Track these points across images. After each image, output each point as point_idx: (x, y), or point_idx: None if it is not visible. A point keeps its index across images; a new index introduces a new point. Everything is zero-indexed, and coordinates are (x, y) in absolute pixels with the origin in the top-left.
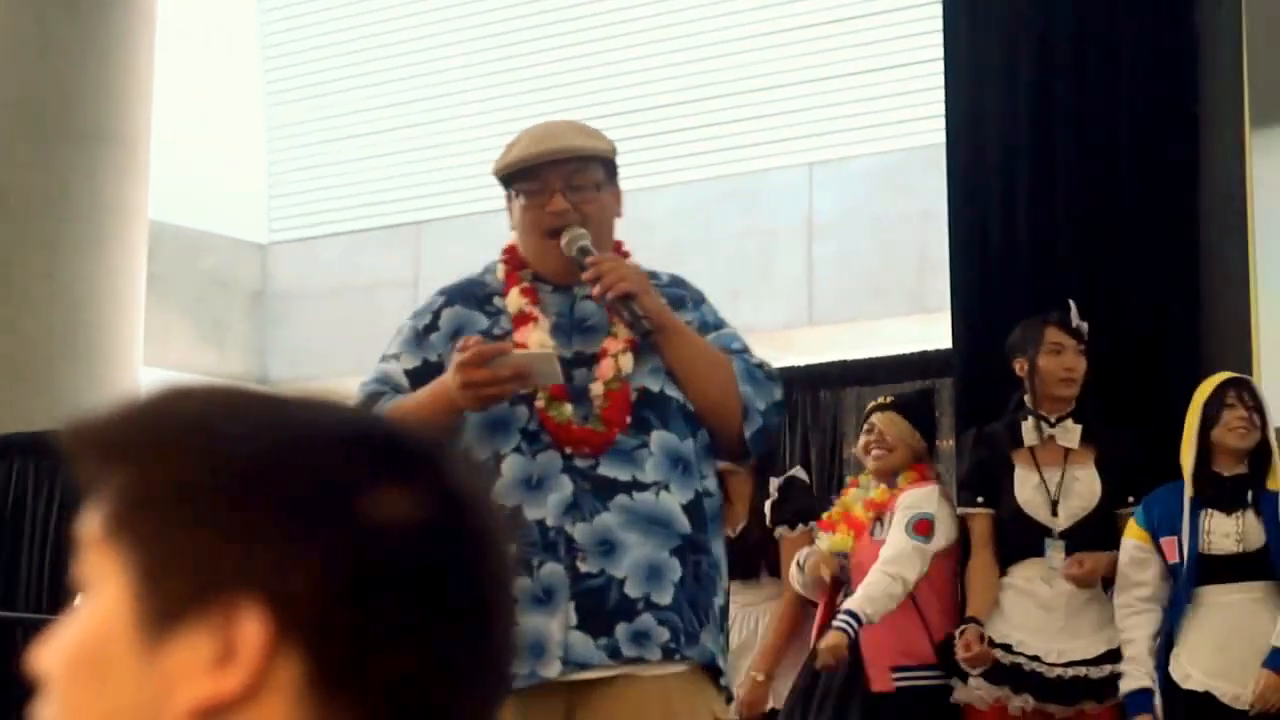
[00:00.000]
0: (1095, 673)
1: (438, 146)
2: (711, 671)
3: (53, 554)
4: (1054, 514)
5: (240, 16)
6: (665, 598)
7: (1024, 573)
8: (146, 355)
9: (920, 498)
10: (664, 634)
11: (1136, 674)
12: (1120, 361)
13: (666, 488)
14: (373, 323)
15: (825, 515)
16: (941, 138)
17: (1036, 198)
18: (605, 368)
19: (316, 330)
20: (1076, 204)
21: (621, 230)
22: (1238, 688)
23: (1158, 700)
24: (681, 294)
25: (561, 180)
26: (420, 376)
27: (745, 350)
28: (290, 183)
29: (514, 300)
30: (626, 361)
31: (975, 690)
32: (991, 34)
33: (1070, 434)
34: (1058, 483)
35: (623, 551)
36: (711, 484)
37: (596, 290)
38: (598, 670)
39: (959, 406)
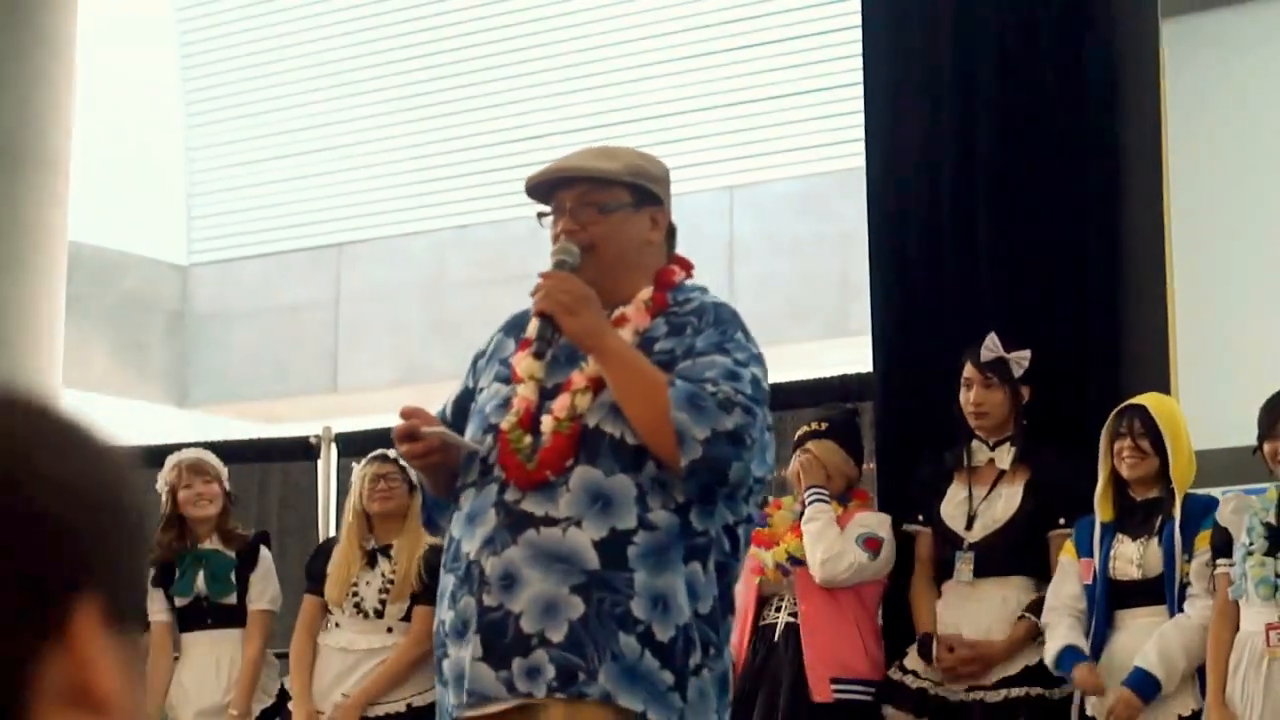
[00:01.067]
0: (992, 697)
1: (358, 169)
2: (618, 706)
3: None
4: (968, 527)
5: (160, 37)
6: (558, 635)
7: (942, 599)
8: (65, 376)
9: (874, 521)
10: (551, 671)
11: (1057, 636)
12: (1045, 381)
13: (578, 524)
14: (293, 344)
15: (757, 530)
16: (862, 161)
17: (958, 220)
18: (560, 405)
19: (237, 351)
20: (998, 226)
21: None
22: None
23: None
24: (687, 321)
25: (573, 200)
26: (462, 402)
27: (719, 379)
28: (210, 204)
29: (532, 324)
30: (583, 400)
31: (889, 718)
32: (911, 57)
33: (1004, 456)
34: (982, 498)
35: (522, 586)
36: (657, 518)
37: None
38: (496, 704)
39: (880, 429)
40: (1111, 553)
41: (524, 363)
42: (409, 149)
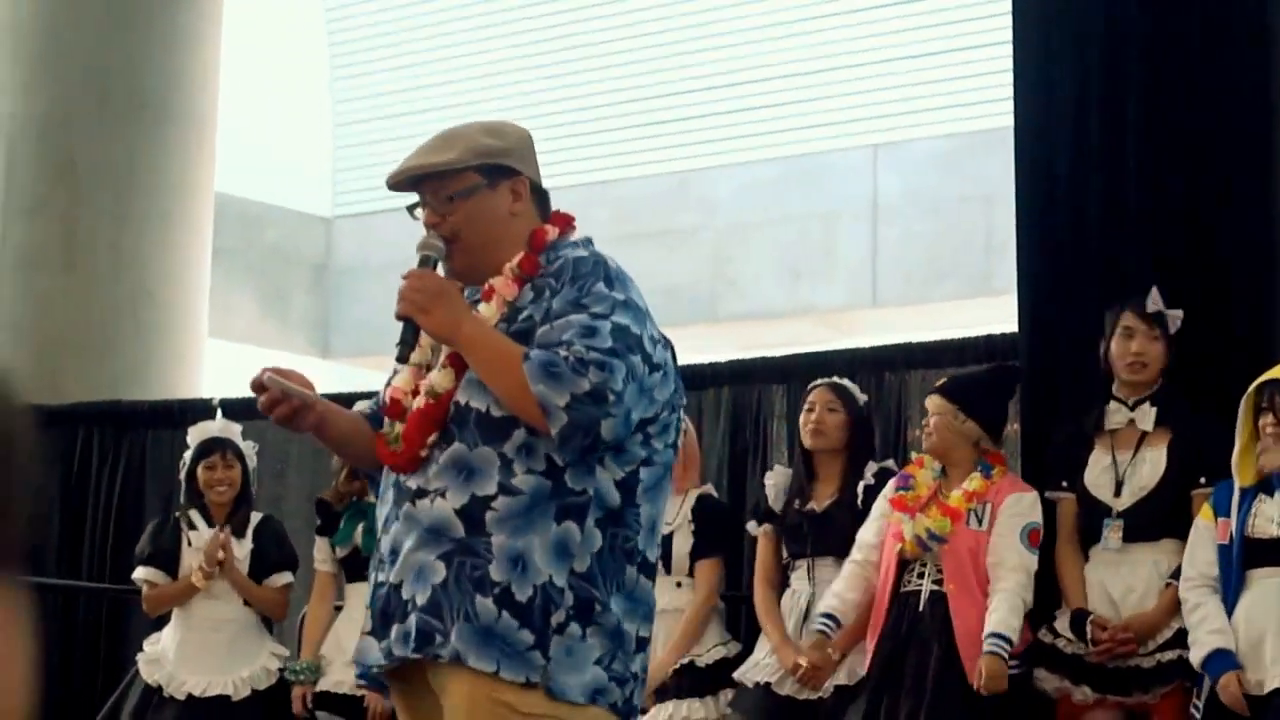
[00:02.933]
0: (1147, 663)
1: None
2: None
3: (115, 523)
4: (1116, 494)
5: None
6: (423, 598)
7: (1092, 561)
8: (211, 327)
9: (1028, 506)
10: (414, 632)
11: (1210, 639)
12: (1191, 343)
13: (443, 494)
14: None
15: (898, 495)
16: (1005, 121)
17: (1106, 180)
18: (421, 385)
19: (377, 305)
20: (1147, 186)
21: (684, 208)
22: (1259, 674)
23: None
24: (546, 283)
25: (430, 194)
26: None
27: (575, 339)
28: (355, 157)
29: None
30: (440, 378)
31: (1040, 681)
32: (1059, 13)
33: (1146, 417)
34: (1127, 464)
35: (401, 557)
36: (521, 482)
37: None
38: (378, 670)
39: (1025, 391)
40: (1251, 511)
41: (417, 356)
42: (551, 104)
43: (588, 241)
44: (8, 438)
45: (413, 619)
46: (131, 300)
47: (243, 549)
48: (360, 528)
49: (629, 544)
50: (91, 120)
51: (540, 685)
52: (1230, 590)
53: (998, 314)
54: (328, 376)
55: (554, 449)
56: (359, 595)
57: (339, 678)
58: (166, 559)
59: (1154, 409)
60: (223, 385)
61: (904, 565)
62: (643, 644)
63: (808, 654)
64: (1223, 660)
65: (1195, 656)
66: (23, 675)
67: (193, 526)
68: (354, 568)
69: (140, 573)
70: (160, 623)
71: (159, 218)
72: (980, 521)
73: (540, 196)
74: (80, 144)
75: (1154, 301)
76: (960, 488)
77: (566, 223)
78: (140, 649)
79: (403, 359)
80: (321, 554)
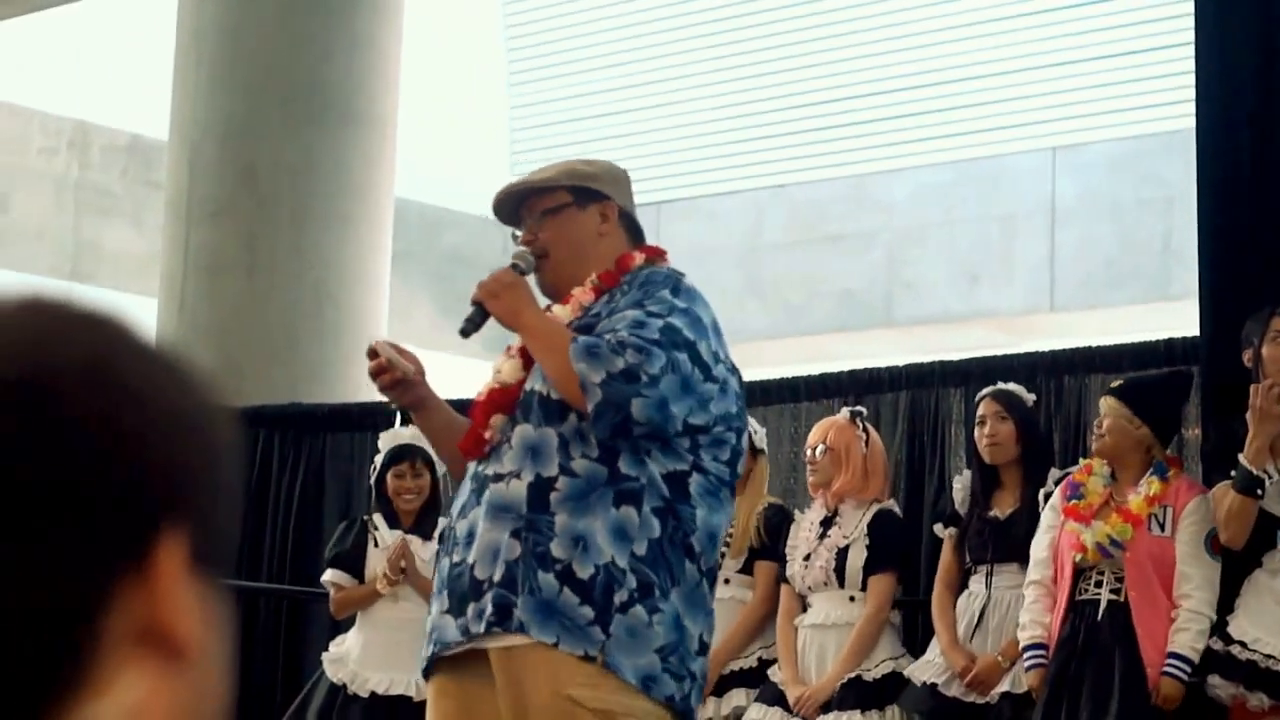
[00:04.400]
0: None
1: (677, 128)
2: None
3: (296, 526)
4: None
5: None
6: (498, 575)
7: (1267, 567)
8: (390, 331)
9: (1209, 510)
10: (489, 608)
11: None
12: None
13: (517, 475)
14: None
15: (1071, 504)
16: (1184, 123)
17: None
18: (494, 376)
19: None
20: None
21: (860, 211)
22: None
23: None
24: (620, 290)
25: (526, 213)
26: None
27: (628, 327)
28: (531, 162)
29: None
30: (509, 368)
31: (1214, 688)
32: (1243, 16)
33: None
34: None
35: (476, 539)
36: (579, 465)
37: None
38: (456, 648)
39: (1205, 396)
40: None
41: (503, 363)
42: (726, 108)
43: (682, 275)
44: (210, 435)
45: (488, 596)
46: (312, 303)
47: (428, 551)
48: None
49: (687, 540)
50: (273, 124)
51: (598, 660)
52: None
53: (1175, 319)
54: None
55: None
56: None
57: None
58: (353, 562)
59: None
60: None
61: (1079, 574)
62: (704, 648)
63: (978, 659)
64: None
65: None
66: (223, 678)
67: (379, 529)
68: None
69: (328, 575)
70: (340, 625)
71: (339, 221)
72: (1162, 527)
73: (632, 226)
74: (262, 148)
75: None
76: (1139, 492)
77: (658, 253)
78: (319, 651)
79: (465, 334)
80: None
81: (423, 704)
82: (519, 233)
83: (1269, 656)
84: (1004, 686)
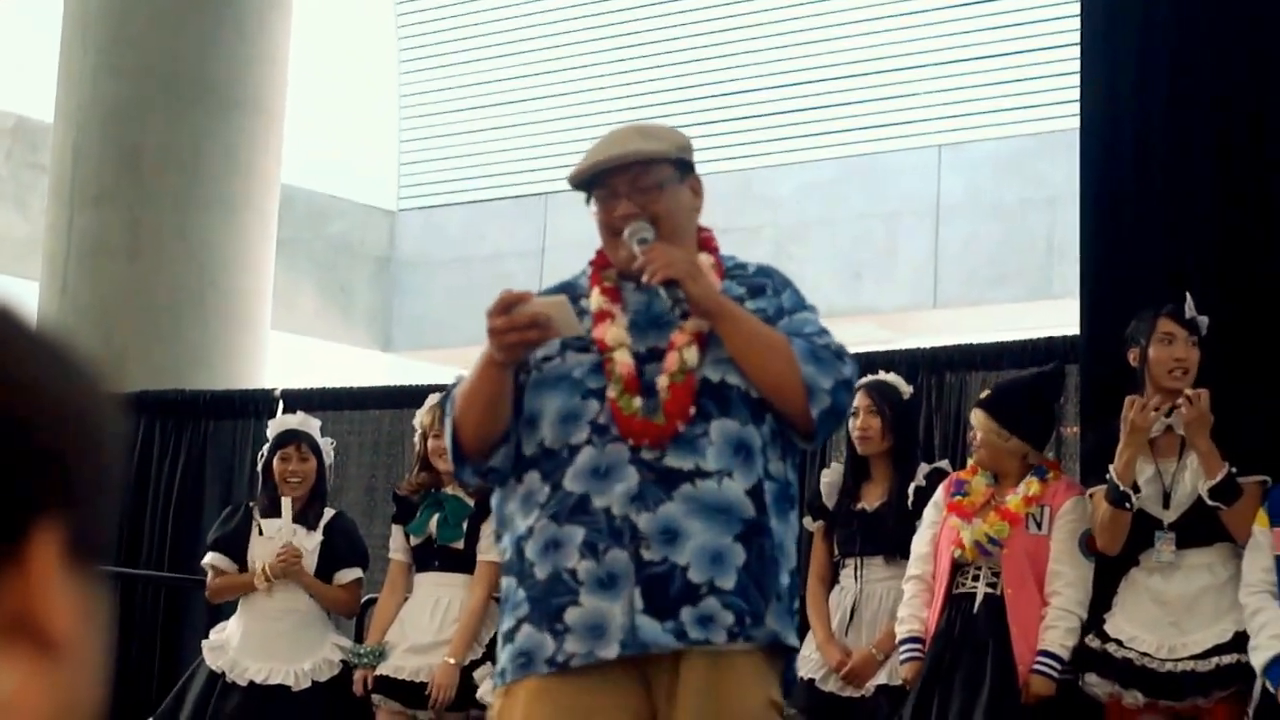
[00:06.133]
0: (1203, 666)
1: (567, 118)
2: (779, 650)
3: (176, 513)
4: (1165, 506)
5: None
6: (729, 582)
7: (1144, 565)
8: (273, 319)
9: (1085, 511)
10: (729, 617)
11: (1271, 644)
12: (1250, 347)
13: (729, 475)
14: (495, 292)
15: (955, 500)
16: (1070, 123)
17: (1170, 184)
18: (670, 361)
19: (440, 298)
20: (1211, 191)
21: (745, 206)
22: None
23: None
24: (762, 282)
25: (626, 184)
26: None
27: (818, 333)
28: (420, 151)
29: (595, 298)
30: (691, 354)
31: (1091, 685)
32: (1128, 19)
33: (1182, 422)
34: (1171, 473)
35: (685, 539)
36: (778, 468)
37: (644, 277)
38: (656, 651)
39: (1085, 394)
40: None
41: (610, 332)
42: (614, 100)
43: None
44: (93, 424)
45: (714, 602)
46: (196, 288)
47: (312, 541)
48: (435, 518)
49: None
50: (158, 109)
51: (791, 670)
52: None
53: (1058, 317)
54: (388, 370)
55: (797, 436)
56: (426, 586)
57: (399, 663)
58: (235, 547)
59: None
60: (283, 376)
61: (958, 568)
62: None
63: (853, 653)
64: None
65: (1257, 661)
66: (99, 667)
67: (264, 516)
68: (424, 558)
69: (209, 558)
70: (219, 612)
71: (225, 206)
72: (1039, 525)
73: None
74: (147, 132)
75: (1190, 307)
76: (1018, 493)
77: (710, 232)
78: (198, 638)
79: (686, 315)
80: (396, 543)
81: (301, 693)
82: (596, 202)
83: (1144, 654)
84: (880, 680)
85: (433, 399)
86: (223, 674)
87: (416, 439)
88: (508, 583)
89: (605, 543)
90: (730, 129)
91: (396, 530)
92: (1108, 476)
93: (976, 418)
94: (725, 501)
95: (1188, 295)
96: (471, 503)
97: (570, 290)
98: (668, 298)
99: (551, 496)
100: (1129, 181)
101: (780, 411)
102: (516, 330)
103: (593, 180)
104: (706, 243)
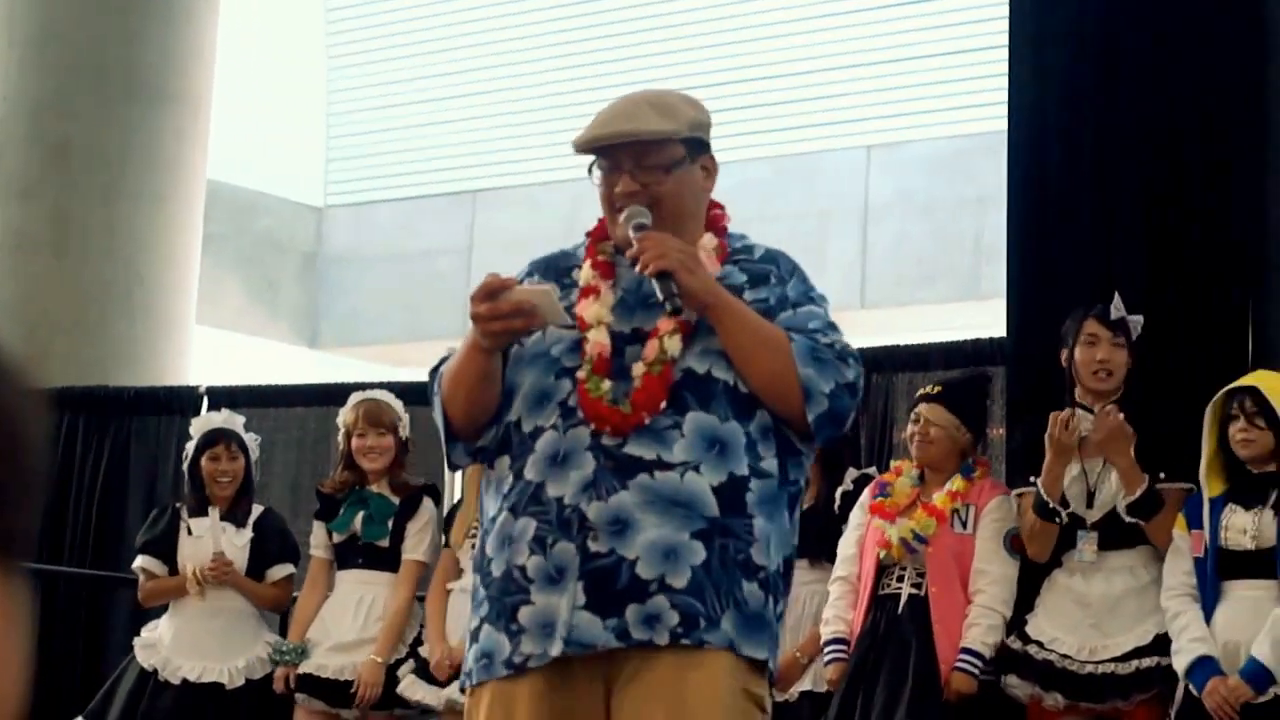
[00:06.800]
0: (1123, 669)
1: (496, 115)
2: (740, 655)
3: (99, 510)
4: (1089, 505)
5: None
6: (681, 580)
7: (1066, 566)
8: (199, 314)
9: (1009, 510)
10: (674, 617)
11: (1193, 647)
12: (1174, 349)
13: (695, 468)
14: (425, 289)
15: (877, 501)
16: (999, 125)
17: (1098, 186)
18: (650, 349)
19: (368, 295)
20: (1138, 192)
21: None
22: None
23: (1221, 666)
24: (766, 269)
25: (631, 161)
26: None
27: (823, 330)
28: (348, 147)
29: (585, 272)
30: (673, 344)
31: (1012, 687)
32: (1055, 20)
33: None
34: (1096, 473)
35: (636, 531)
36: (768, 465)
37: (637, 267)
38: (601, 650)
39: (1011, 395)
40: (1223, 523)
41: (591, 308)
42: (547, 97)
43: (744, 234)
44: (17, 423)
45: (662, 600)
46: (122, 283)
47: (242, 539)
48: (360, 516)
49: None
50: (85, 103)
51: (772, 672)
52: (1207, 602)
53: (986, 318)
54: (315, 366)
55: (794, 435)
56: (349, 582)
57: (322, 661)
58: (164, 549)
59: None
60: (209, 373)
61: (883, 570)
62: None
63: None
64: (1207, 667)
65: (1179, 664)
66: (20, 665)
67: (192, 516)
68: (347, 555)
69: (139, 561)
70: (147, 611)
71: (151, 201)
72: (964, 524)
73: None
74: (73, 125)
75: (1117, 308)
76: (944, 489)
77: (722, 207)
78: (121, 636)
79: (678, 311)
80: (318, 540)
81: (235, 692)
82: (597, 174)
83: (1065, 656)
84: (804, 685)
85: (355, 398)
86: (155, 672)
87: (340, 438)
88: (473, 579)
89: (554, 535)
90: None
91: (318, 527)
92: (1035, 488)
93: (933, 412)
94: (685, 495)
95: (1115, 296)
96: (396, 501)
97: (567, 260)
98: (660, 290)
99: (514, 486)
100: (1057, 183)
101: (773, 409)
102: (501, 318)
103: (598, 148)
104: (715, 221)
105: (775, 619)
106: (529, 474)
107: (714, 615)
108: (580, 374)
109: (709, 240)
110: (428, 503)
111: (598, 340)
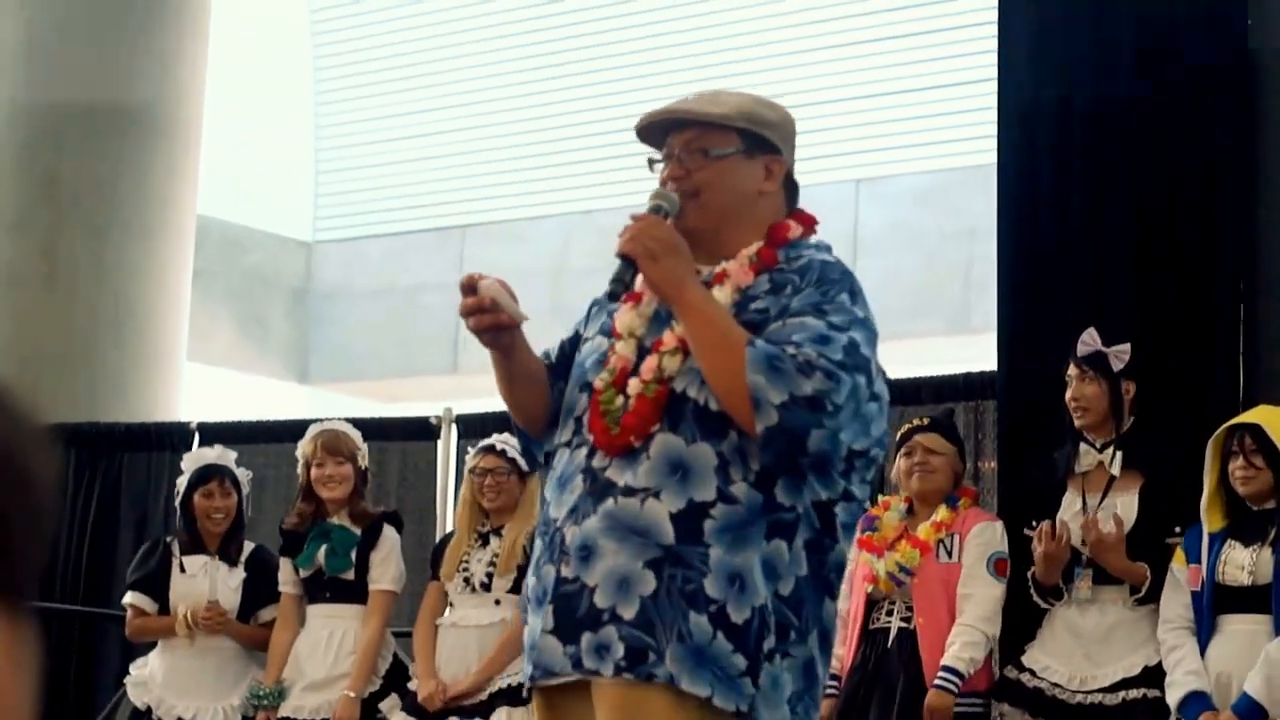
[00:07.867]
0: (1110, 700)
1: (485, 151)
2: (683, 691)
3: (90, 545)
4: (1085, 542)
5: (293, 16)
6: (629, 612)
7: (1063, 601)
8: (188, 350)
9: (994, 535)
10: (620, 649)
11: (1186, 680)
12: (1170, 381)
13: (656, 495)
14: (414, 324)
15: (865, 535)
16: (989, 158)
17: (1087, 219)
18: (647, 367)
19: (358, 330)
20: (1129, 225)
21: None
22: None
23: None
24: (790, 279)
25: (681, 145)
26: (568, 345)
27: (810, 341)
28: (337, 182)
29: (641, 278)
30: (671, 362)
31: (1003, 715)
32: (1046, 55)
33: (1114, 461)
34: (1096, 508)
35: (598, 558)
36: (737, 490)
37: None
38: (560, 678)
39: (1002, 428)
40: (1221, 558)
41: (625, 317)
42: (535, 132)
43: (830, 248)
44: (21, 461)
45: (612, 631)
46: (112, 317)
47: (235, 579)
48: (323, 549)
49: (828, 576)
50: (75, 136)
51: (748, 716)
52: (1201, 635)
53: (976, 351)
54: (304, 402)
55: (758, 454)
56: (318, 617)
57: (298, 702)
58: (155, 585)
59: (1119, 453)
60: (199, 408)
61: (872, 604)
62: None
63: None
64: (1199, 702)
65: (1172, 697)
66: (27, 708)
67: (184, 553)
68: (314, 590)
69: (129, 597)
70: (137, 647)
71: (141, 235)
72: (950, 554)
73: (791, 188)
74: (63, 159)
75: (1084, 343)
76: (928, 521)
77: (811, 223)
78: (111, 671)
79: (615, 296)
80: (285, 576)
81: None
82: (657, 157)
83: (1055, 685)
84: None
85: (314, 429)
86: (149, 710)
87: (299, 469)
88: None
89: (546, 558)
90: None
91: (284, 563)
92: (1030, 581)
93: (933, 441)
94: (643, 523)
95: (1087, 332)
96: (358, 531)
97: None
98: (612, 278)
99: (542, 505)
100: (1045, 217)
101: (740, 423)
102: (473, 315)
103: (654, 139)
104: (776, 230)
105: (752, 656)
106: (547, 492)
107: (660, 649)
108: (597, 384)
109: (752, 248)
110: (389, 530)
111: (623, 353)
